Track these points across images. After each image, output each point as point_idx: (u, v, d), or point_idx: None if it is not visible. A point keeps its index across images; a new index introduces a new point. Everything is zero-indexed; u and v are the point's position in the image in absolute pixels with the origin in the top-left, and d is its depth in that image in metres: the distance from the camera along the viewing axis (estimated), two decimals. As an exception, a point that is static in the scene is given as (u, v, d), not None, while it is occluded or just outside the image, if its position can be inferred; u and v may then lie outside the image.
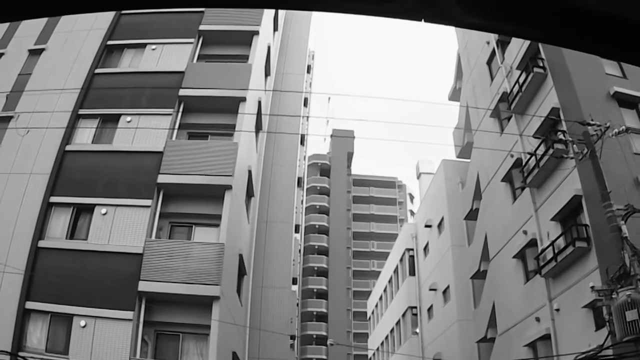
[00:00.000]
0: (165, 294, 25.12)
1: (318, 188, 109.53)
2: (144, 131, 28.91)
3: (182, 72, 31.23)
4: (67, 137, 29.26)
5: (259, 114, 34.41)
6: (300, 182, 50.01)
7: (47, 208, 27.42)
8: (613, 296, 19.53)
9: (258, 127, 35.41)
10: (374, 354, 73.23)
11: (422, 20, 2.64)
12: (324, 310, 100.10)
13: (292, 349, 44.98)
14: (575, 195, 26.91)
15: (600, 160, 21.42)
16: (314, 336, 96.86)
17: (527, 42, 32.59)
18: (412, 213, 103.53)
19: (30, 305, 25.05)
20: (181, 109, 30.33)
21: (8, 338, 24.04)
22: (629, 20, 2.53)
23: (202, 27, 33.17)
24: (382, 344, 67.44)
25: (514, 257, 33.26)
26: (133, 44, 32.95)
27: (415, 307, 55.10)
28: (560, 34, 2.75)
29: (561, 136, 27.54)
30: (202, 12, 33.32)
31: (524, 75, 32.60)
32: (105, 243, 26.28)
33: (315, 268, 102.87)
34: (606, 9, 2.51)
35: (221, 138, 30.52)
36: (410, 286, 56.47)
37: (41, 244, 26.54)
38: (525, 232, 31.93)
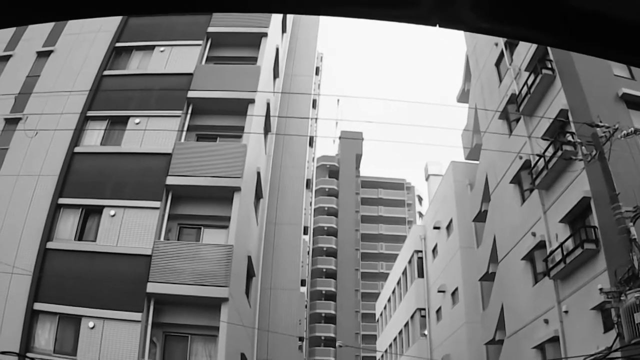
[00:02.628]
0: (173, 296, 25.14)
1: (327, 190, 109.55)
2: (153, 133, 28.95)
3: (191, 74, 31.25)
4: (76, 138, 29.30)
5: (267, 115, 34.42)
6: (308, 183, 49.99)
7: (55, 210, 27.47)
8: (622, 298, 19.51)
9: (267, 129, 35.43)
10: (382, 356, 73.28)
11: (437, 25, 2.64)
12: (333, 312, 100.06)
13: (301, 350, 44.98)
14: (584, 197, 26.89)
15: (608, 161, 21.40)
16: (323, 338, 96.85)
17: (536, 44, 32.59)
18: (421, 215, 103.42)
19: (38, 306, 25.11)
20: (190, 111, 30.37)
21: (16, 339, 24.10)
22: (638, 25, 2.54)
23: (210, 29, 33.19)
24: (390, 345, 67.49)
25: (522, 259, 33.23)
26: (141, 45, 32.98)
27: (424, 309, 55.10)
28: (572, 39, 2.76)
29: (570, 138, 27.47)
30: (210, 14, 33.34)
31: (532, 77, 32.58)
32: (114, 245, 26.31)
33: (324, 270, 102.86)
34: (618, 14, 2.51)
35: (230, 140, 30.53)
36: (418, 288, 56.46)
37: (49, 245, 26.58)
38: (533, 234, 31.89)
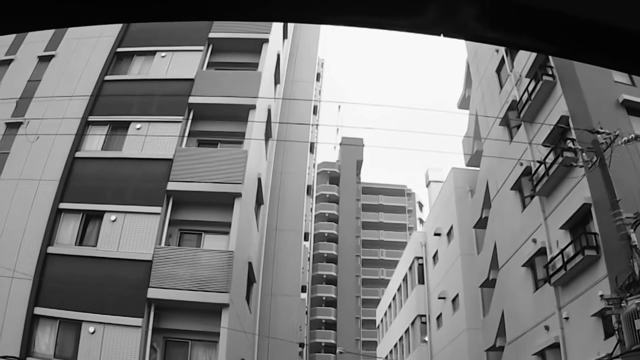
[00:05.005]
0: (174, 301, 25.11)
1: (327, 196, 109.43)
2: (154, 138, 28.95)
3: (192, 80, 31.27)
4: (77, 143, 29.30)
5: (268, 121, 34.44)
6: (309, 190, 49.96)
7: (56, 214, 27.45)
8: (622, 305, 19.50)
9: (268, 135, 35.43)
10: (382, 362, 73.14)
11: (441, 35, 2.64)
12: (333, 318, 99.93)
13: (301, 357, 44.93)
14: (585, 204, 26.87)
15: (609, 168, 21.39)
16: (323, 344, 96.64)
17: (539, 53, 32.59)
18: (421, 221, 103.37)
19: (39, 311, 25.08)
20: (191, 117, 30.37)
21: (17, 343, 24.09)
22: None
23: (211, 35, 33.20)
24: (390, 352, 67.42)
25: (523, 265, 33.21)
26: (143, 51, 33.00)
27: (424, 316, 55.07)
28: (576, 48, 2.76)
29: (570, 144, 27.53)
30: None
31: (533, 84, 32.57)
32: (115, 250, 26.29)
33: (324, 276, 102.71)
34: (622, 24, 2.51)
35: (231, 146, 30.56)
36: (419, 294, 56.43)
37: (50, 250, 26.56)
38: (534, 241, 31.87)
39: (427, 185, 66.49)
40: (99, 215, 27.44)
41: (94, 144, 29.89)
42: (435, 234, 53.70)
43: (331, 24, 2.85)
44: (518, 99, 34.66)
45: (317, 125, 59.75)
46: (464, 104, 52.36)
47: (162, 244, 26.63)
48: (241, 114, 30.30)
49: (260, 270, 34.39)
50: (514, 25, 2.63)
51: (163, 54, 32.51)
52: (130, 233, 26.64)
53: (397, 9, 2.61)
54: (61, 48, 33.40)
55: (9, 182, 28.28)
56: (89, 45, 32.94)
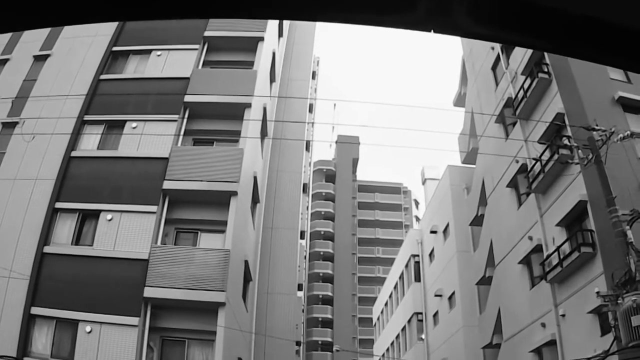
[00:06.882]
0: (170, 300, 25.10)
1: (323, 194, 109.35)
2: (150, 137, 28.92)
3: (188, 78, 31.24)
4: (73, 143, 29.27)
5: (264, 120, 34.43)
6: (305, 188, 49.91)
7: (52, 214, 27.43)
8: (619, 301, 19.51)
9: (263, 134, 35.43)
10: (379, 360, 73.16)
11: (432, 31, 2.64)
12: (330, 316, 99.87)
13: (298, 355, 44.91)
14: (581, 201, 26.89)
15: (605, 165, 21.42)
16: (320, 342, 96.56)
17: (533, 49, 32.60)
18: (418, 219, 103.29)
19: (35, 310, 25.07)
20: (186, 115, 30.34)
21: (13, 343, 24.08)
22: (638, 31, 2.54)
23: (207, 33, 33.17)
24: (387, 350, 67.38)
25: (519, 262, 33.22)
26: (138, 50, 32.95)
27: (421, 313, 55.10)
28: (569, 44, 2.76)
29: (566, 141, 27.49)
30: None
31: (528, 81, 32.60)
32: (111, 249, 26.28)
33: (321, 274, 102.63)
34: (616, 20, 2.51)
35: (226, 144, 30.53)
36: (415, 292, 56.45)
37: (46, 249, 26.54)
38: (530, 238, 31.88)
39: (423, 183, 66.47)
40: (95, 214, 27.42)
41: (89, 143, 29.87)
42: (432, 232, 53.72)
43: (323, 20, 2.86)
44: (514, 97, 34.69)
45: (312, 123, 59.76)
46: (459, 101, 52.30)
47: (158, 243, 26.62)
48: (237, 112, 30.30)
49: (257, 269, 34.39)
50: (506, 21, 2.63)
51: (158, 52, 32.48)
52: (127, 232, 26.63)
53: (388, 5, 2.61)
54: (57, 47, 33.35)
55: (5, 181, 28.23)
56: (84, 44, 32.87)
